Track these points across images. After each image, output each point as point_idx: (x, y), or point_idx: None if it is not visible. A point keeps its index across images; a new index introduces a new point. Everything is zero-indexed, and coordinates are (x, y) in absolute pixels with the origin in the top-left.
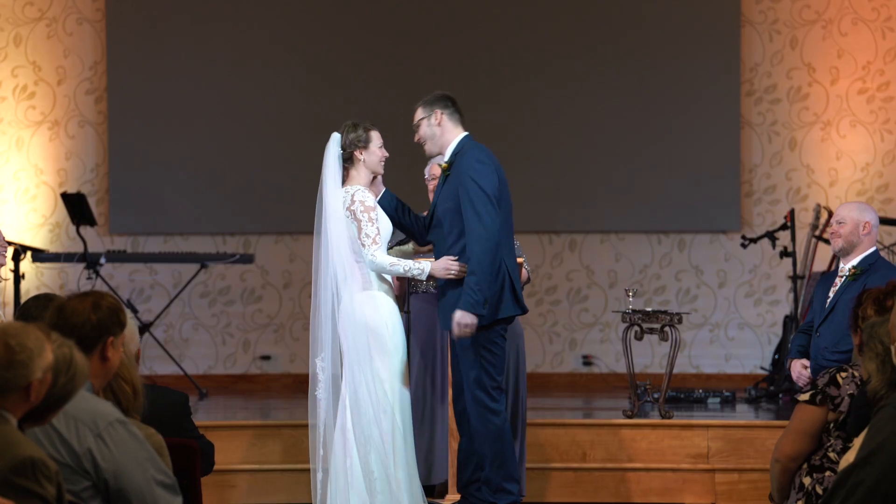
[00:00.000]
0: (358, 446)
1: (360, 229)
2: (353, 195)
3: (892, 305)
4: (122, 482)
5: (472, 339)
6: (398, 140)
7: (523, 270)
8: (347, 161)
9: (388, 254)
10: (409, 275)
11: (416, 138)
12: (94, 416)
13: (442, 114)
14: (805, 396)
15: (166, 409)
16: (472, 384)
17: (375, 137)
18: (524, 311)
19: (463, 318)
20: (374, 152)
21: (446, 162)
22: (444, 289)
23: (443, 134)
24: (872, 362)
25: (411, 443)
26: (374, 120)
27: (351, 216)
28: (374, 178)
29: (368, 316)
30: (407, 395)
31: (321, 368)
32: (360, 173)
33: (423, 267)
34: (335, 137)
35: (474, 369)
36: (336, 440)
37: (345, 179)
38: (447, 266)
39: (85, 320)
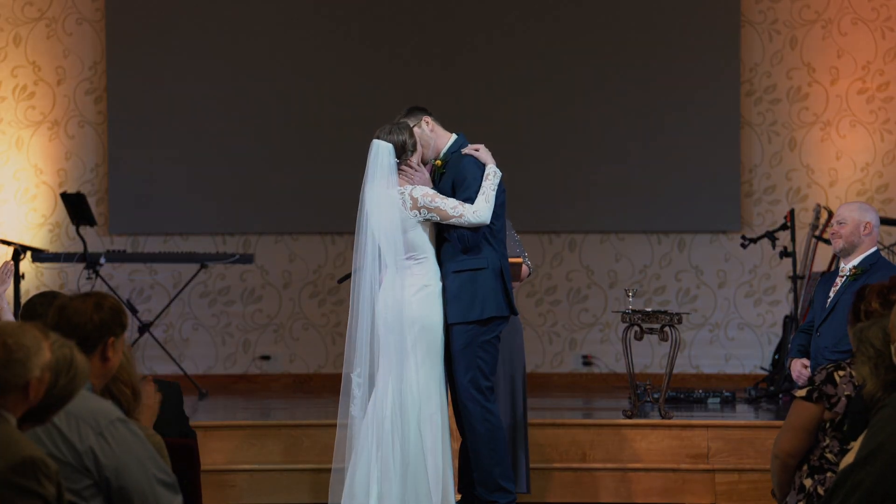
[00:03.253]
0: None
1: (442, 213)
2: (410, 194)
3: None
4: (123, 480)
5: (469, 340)
6: None
7: (524, 266)
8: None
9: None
10: (497, 183)
11: (410, 150)
12: (96, 414)
13: (430, 119)
14: (802, 393)
15: (163, 400)
16: (467, 385)
17: (416, 134)
18: (514, 313)
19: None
20: (419, 150)
21: (440, 159)
22: (450, 282)
23: (437, 138)
24: (865, 366)
25: (448, 450)
26: (373, 121)
27: (419, 214)
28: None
29: (425, 315)
30: (445, 395)
31: (357, 385)
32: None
33: (493, 170)
34: (385, 147)
35: (470, 371)
36: (367, 438)
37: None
38: (486, 153)
39: (87, 320)
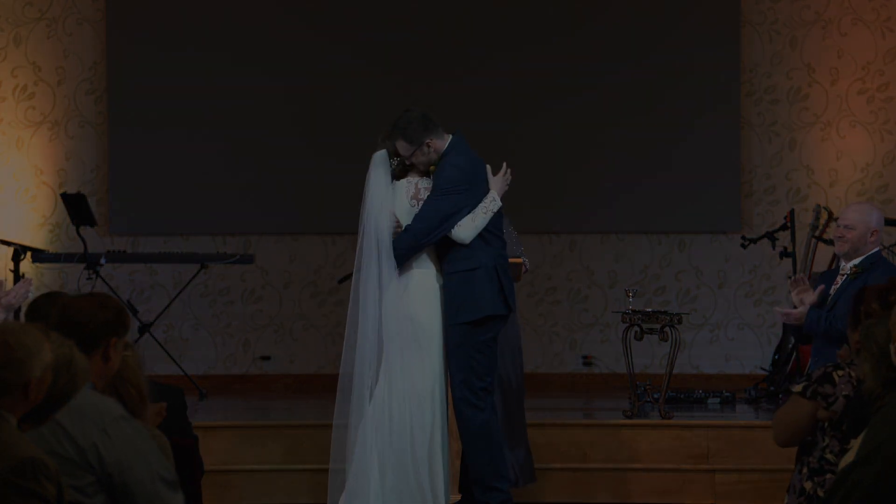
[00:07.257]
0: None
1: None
2: (416, 184)
3: (895, 301)
4: (126, 476)
5: (462, 339)
6: None
7: (522, 265)
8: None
9: None
10: (491, 213)
11: (408, 162)
12: (100, 411)
13: (433, 140)
14: (798, 388)
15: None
16: (459, 384)
17: (416, 156)
18: (510, 310)
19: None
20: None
21: (434, 164)
22: (446, 283)
23: (436, 150)
24: (867, 363)
25: (444, 445)
26: (375, 121)
27: (417, 204)
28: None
29: (417, 312)
30: (442, 391)
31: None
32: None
33: (492, 197)
34: (380, 155)
35: (463, 370)
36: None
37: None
38: (503, 181)
39: (90, 319)
